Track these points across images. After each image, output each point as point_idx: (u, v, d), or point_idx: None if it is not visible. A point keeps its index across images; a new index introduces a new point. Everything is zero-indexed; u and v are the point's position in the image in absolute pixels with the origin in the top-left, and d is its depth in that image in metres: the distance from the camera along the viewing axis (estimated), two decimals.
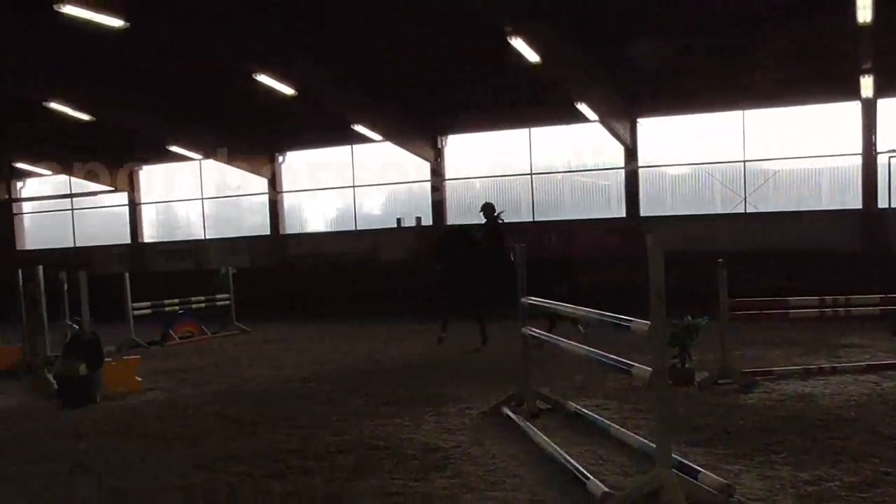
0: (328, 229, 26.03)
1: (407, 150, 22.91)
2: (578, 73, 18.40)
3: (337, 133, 22.99)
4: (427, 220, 23.72)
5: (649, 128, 21.03)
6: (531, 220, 22.58)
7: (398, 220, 24.17)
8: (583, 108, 18.66)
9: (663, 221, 20.43)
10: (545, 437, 7.00)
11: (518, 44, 15.45)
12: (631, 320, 5.63)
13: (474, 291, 14.24)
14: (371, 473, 6.53)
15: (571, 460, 6.21)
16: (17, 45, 17.14)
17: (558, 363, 11.10)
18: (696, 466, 5.74)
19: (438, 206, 23.55)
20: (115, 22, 14.66)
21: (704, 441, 7.06)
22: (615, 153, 21.39)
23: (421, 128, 22.87)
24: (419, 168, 23.72)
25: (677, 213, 20.88)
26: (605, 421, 7.54)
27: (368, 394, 10.10)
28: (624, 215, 21.40)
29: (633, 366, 5.75)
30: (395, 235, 24.03)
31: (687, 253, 17.54)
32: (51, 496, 6.37)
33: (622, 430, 7.13)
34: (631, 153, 21.04)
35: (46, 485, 6.68)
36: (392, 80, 20.81)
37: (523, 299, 8.21)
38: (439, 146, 23.34)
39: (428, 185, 23.72)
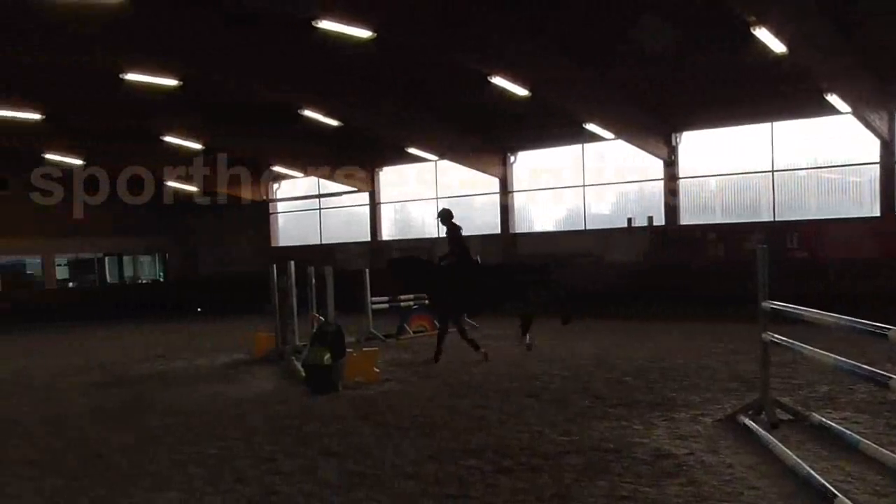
0: (557, 229, 26.06)
1: (639, 147, 22.45)
2: (829, 61, 17.14)
3: (568, 132, 22.98)
4: (659, 220, 23.10)
5: None
6: (771, 219, 21.35)
7: (629, 220, 23.73)
8: (833, 99, 17.39)
9: None
10: (786, 449, 6.59)
11: (762, 34, 14.65)
12: (889, 328, 5.15)
13: (451, 303, 13.79)
14: (600, 476, 6.45)
15: (816, 475, 5.80)
16: (277, 57, 18.57)
17: (798, 371, 10.44)
18: None
19: (672, 205, 22.88)
20: (364, 33, 15.55)
21: None
22: (867, 147, 19.71)
23: (655, 125, 22.32)
24: (651, 166, 23.17)
25: None
26: (855, 436, 6.97)
27: (597, 395, 10.00)
28: (878, 214, 19.67)
29: (891, 378, 5.27)
30: (626, 236, 23.61)
31: None
32: (299, 477, 6.85)
33: (875, 446, 6.56)
34: (888, 146, 19.31)
35: (296, 465, 7.21)
36: (626, 77, 20.41)
37: (764, 304, 7.75)
38: (673, 143, 22.65)
39: (660, 185, 23.10)
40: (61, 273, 33.29)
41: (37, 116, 22.03)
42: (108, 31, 15.77)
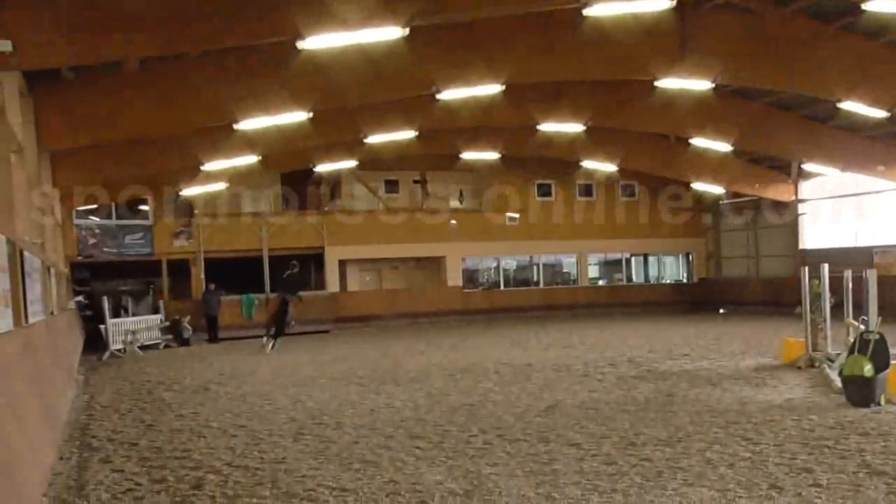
0: None
1: None
2: None
3: None
4: None
5: None
6: None
7: None
8: None
9: None
10: None
11: None
12: None
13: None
14: None
15: None
16: (817, 47, 17.58)
17: None
18: None
19: None
20: None
21: None
22: None
23: None
24: None
25: None
26: None
27: None
28: None
29: None
30: None
31: None
32: (840, 492, 6.47)
33: None
34: None
35: (836, 479, 6.82)
36: None
37: None
38: None
39: None
40: (592, 272, 35.72)
41: (579, 128, 23.94)
42: (646, 42, 16.48)
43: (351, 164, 27.76)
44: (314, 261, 30.30)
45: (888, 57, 18.27)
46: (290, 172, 28.91)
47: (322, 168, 27.66)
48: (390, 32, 13.23)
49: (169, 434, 10.15)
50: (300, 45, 13.02)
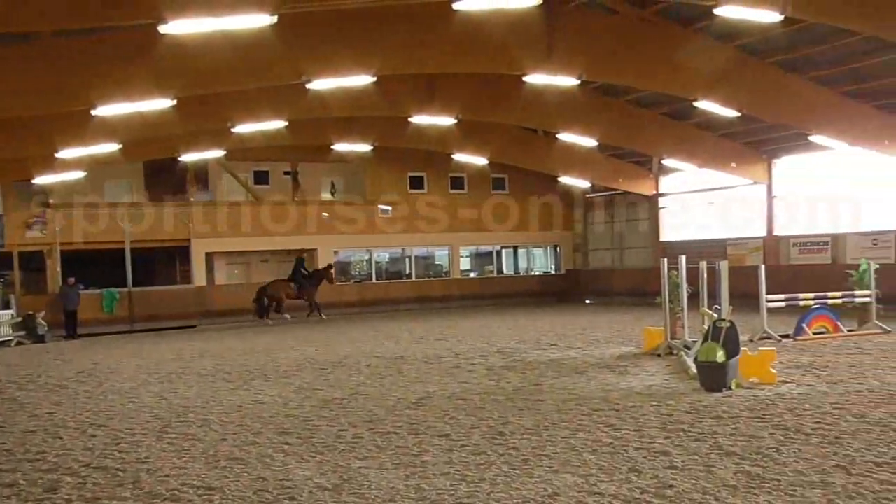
0: None
1: None
2: None
3: None
4: None
5: None
6: None
7: None
8: None
9: None
10: None
11: None
12: None
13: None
14: None
15: None
16: (675, 49, 18.29)
17: None
18: None
19: None
20: (772, 17, 14.65)
21: None
22: None
23: None
24: None
25: None
26: None
27: None
28: None
29: None
30: None
31: None
32: (694, 473, 6.79)
33: None
34: None
35: (690, 461, 7.15)
36: None
37: None
38: None
39: None
40: (464, 264, 36.12)
41: (451, 121, 24.08)
42: (515, 37, 16.73)
43: (218, 153, 27.01)
44: (179, 253, 29.38)
45: (739, 60, 19.28)
46: (154, 161, 27.88)
47: (187, 157, 26.78)
48: (258, 19, 12.93)
49: (21, 435, 9.62)
50: (162, 29, 12.52)
